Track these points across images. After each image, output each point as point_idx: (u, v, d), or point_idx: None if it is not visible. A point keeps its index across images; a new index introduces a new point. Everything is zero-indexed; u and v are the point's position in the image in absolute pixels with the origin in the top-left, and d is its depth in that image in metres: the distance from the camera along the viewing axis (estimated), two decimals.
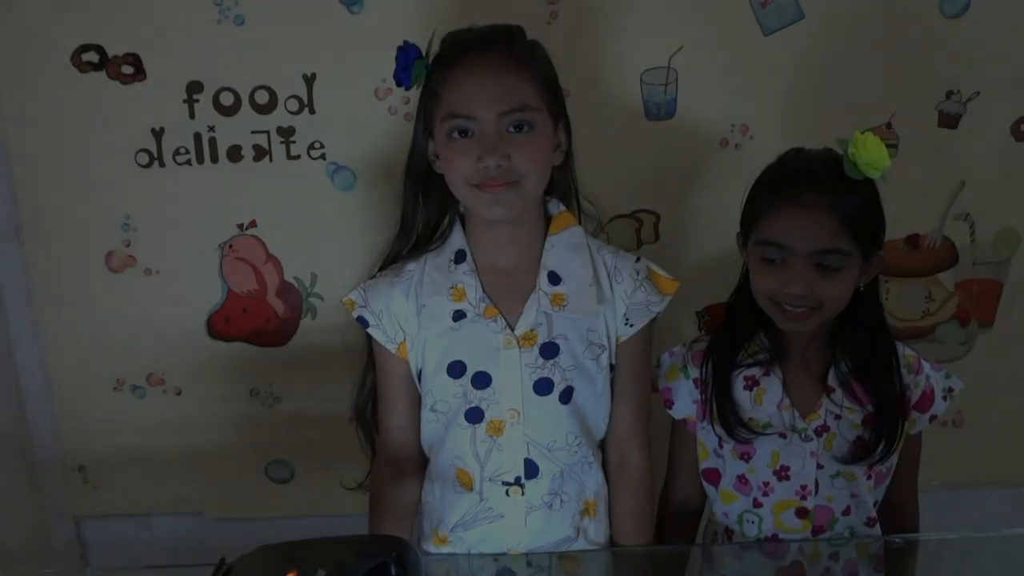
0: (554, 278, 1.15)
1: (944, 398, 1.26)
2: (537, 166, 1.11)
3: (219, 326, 1.62)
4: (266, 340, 1.62)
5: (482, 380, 1.15)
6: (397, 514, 1.23)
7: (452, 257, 1.17)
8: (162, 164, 1.54)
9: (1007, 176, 1.55)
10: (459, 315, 1.15)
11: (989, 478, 1.70)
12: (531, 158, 1.09)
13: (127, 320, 1.61)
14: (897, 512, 1.30)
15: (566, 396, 1.16)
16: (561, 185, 1.21)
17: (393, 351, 1.19)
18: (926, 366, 1.26)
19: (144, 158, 1.54)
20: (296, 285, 1.60)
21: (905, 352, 1.25)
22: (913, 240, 1.57)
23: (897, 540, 1.23)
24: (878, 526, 1.26)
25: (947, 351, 1.63)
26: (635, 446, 1.22)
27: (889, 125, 1.52)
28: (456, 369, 1.15)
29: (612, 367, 1.20)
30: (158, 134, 1.53)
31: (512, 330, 1.15)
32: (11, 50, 1.51)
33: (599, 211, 1.28)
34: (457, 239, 1.18)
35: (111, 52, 1.50)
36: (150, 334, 1.62)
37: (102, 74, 1.50)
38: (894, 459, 1.24)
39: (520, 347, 1.14)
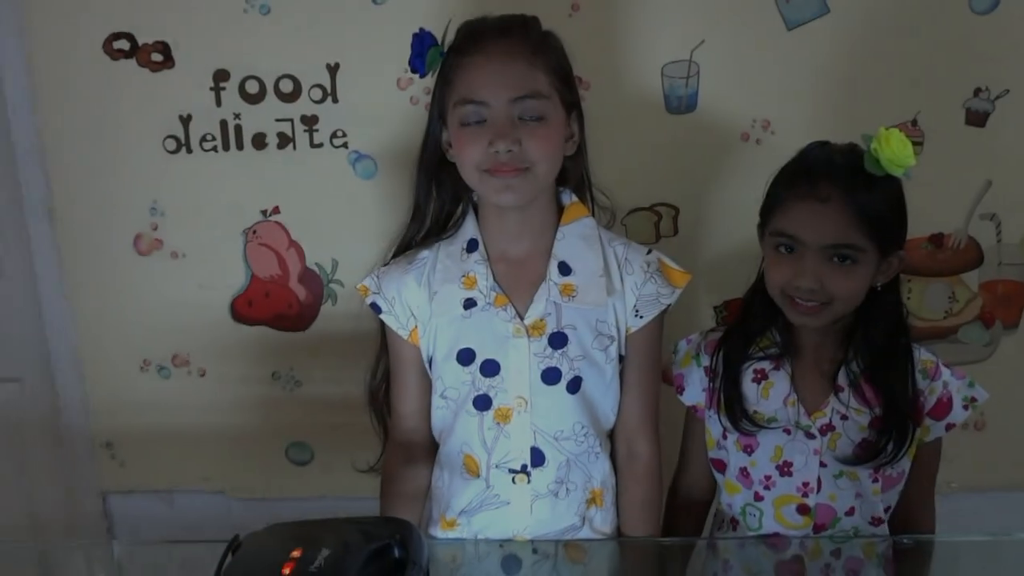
0: (564, 268, 1.17)
1: (965, 407, 1.23)
2: (548, 154, 1.12)
3: (242, 310, 1.66)
4: (288, 324, 1.66)
5: (491, 368, 1.17)
6: (407, 498, 1.26)
7: (464, 246, 1.19)
8: (189, 150, 1.58)
9: None
10: (470, 303, 1.16)
11: (1012, 482, 1.68)
12: (542, 146, 1.10)
13: (154, 302, 1.66)
14: (911, 520, 1.28)
15: (574, 386, 1.17)
16: (574, 176, 1.22)
17: (405, 337, 1.21)
18: (945, 372, 1.23)
19: (172, 144, 1.58)
20: (317, 271, 1.63)
21: (923, 357, 1.22)
22: (937, 239, 1.56)
23: (905, 540, 1.22)
24: (885, 527, 1.24)
25: (970, 352, 1.61)
26: (644, 437, 1.23)
27: (915, 122, 1.50)
28: (465, 356, 1.17)
29: (621, 358, 1.21)
30: (185, 121, 1.57)
31: (522, 319, 1.16)
32: (46, 38, 1.56)
33: (614, 203, 1.29)
34: (470, 228, 1.20)
35: (141, 40, 1.54)
36: (176, 316, 1.66)
37: (132, 61, 1.55)
38: (905, 464, 1.22)
39: (529, 336, 1.15)
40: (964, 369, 1.24)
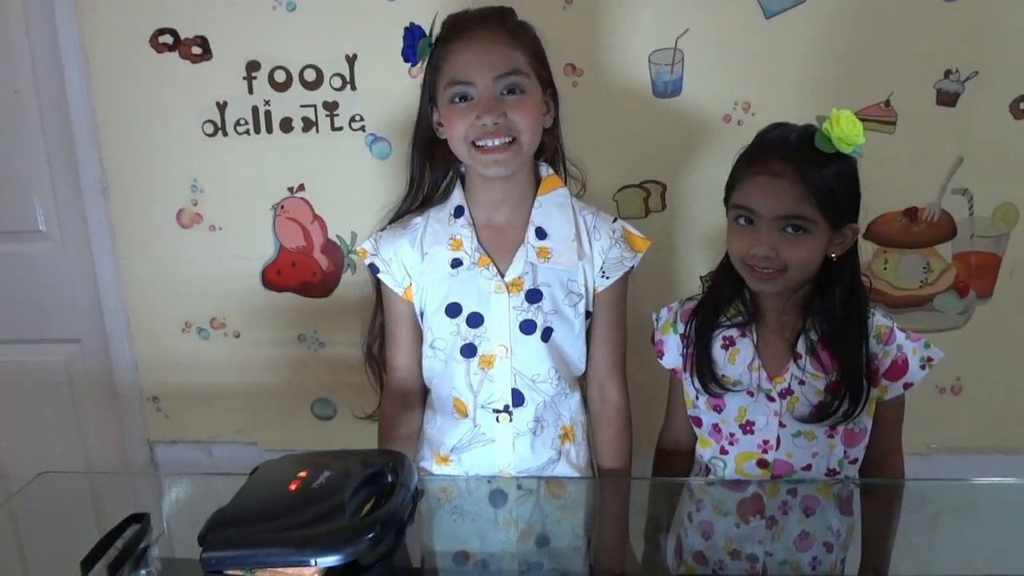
0: (541, 233, 1.29)
1: (922, 367, 1.29)
2: (530, 124, 1.23)
3: (272, 278, 1.82)
4: (312, 291, 1.82)
5: (475, 320, 1.30)
6: (402, 439, 1.40)
7: (452, 212, 1.32)
8: (225, 133, 1.74)
9: (1006, 153, 1.61)
10: (456, 263, 1.30)
11: (987, 444, 1.76)
12: (524, 116, 1.22)
13: (194, 271, 1.83)
14: (878, 467, 1.35)
15: (546, 335, 1.30)
16: (550, 148, 1.34)
17: (400, 294, 1.35)
18: (900, 336, 1.29)
19: (210, 128, 1.74)
20: (339, 243, 1.78)
21: (877, 323, 1.29)
22: (911, 213, 1.65)
23: (855, 483, 1.30)
24: (841, 476, 1.32)
25: (946, 320, 1.70)
26: (613, 384, 1.37)
27: (888, 103, 1.59)
28: (453, 310, 1.31)
29: (588, 314, 1.34)
30: (222, 107, 1.73)
31: (503, 277, 1.29)
32: (100, 33, 1.73)
33: (583, 175, 1.41)
34: (457, 196, 1.32)
35: (183, 35, 1.71)
36: (213, 283, 1.83)
37: (175, 54, 1.71)
38: (866, 421, 1.29)
39: (509, 292, 1.29)
40: (921, 334, 1.30)
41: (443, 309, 1.31)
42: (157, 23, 1.71)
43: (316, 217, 1.77)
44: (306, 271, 1.80)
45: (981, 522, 1.19)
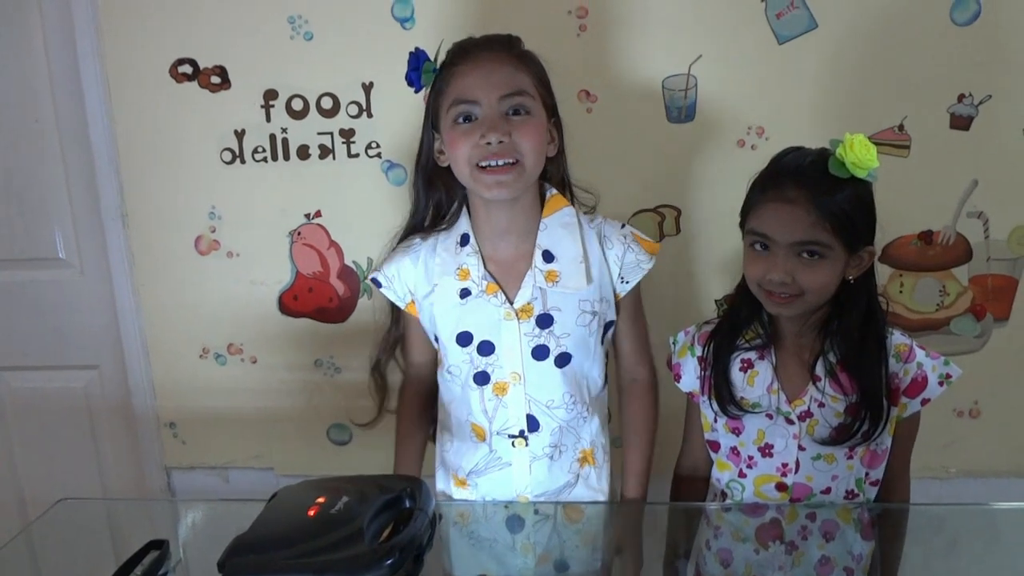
0: (548, 256, 1.29)
1: (940, 383, 1.29)
2: (535, 146, 1.22)
3: (289, 303, 1.83)
4: (329, 317, 1.83)
5: (486, 348, 1.30)
6: (417, 444, 1.43)
7: (458, 240, 1.31)
8: (243, 161, 1.76)
9: (1021, 176, 1.61)
10: (465, 293, 1.30)
11: (1006, 468, 1.75)
12: (529, 138, 1.21)
13: (212, 297, 1.84)
14: (888, 489, 1.34)
15: (561, 360, 1.30)
16: (555, 177, 1.34)
17: (403, 308, 1.38)
18: (920, 354, 1.29)
19: (228, 156, 1.76)
20: (355, 268, 1.79)
21: (896, 341, 1.29)
22: (926, 236, 1.65)
23: (875, 506, 1.30)
24: (861, 499, 1.31)
25: (962, 344, 1.69)
26: (641, 365, 1.40)
27: (901, 127, 1.60)
28: (464, 339, 1.31)
29: (610, 324, 1.35)
30: (240, 135, 1.75)
31: (511, 304, 1.29)
32: (121, 63, 1.76)
33: (596, 198, 1.40)
34: (462, 223, 1.32)
35: (202, 64, 1.73)
36: (230, 309, 1.85)
37: (194, 84, 1.74)
38: (887, 441, 1.29)
39: (519, 319, 1.29)
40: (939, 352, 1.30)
41: (454, 338, 1.32)
42: (177, 53, 1.73)
43: (332, 243, 1.79)
44: (323, 297, 1.81)
45: (1000, 547, 1.18)
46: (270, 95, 1.72)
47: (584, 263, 1.29)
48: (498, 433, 1.33)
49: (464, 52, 1.25)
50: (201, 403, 1.90)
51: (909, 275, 1.68)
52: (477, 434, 1.35)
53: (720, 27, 1.60)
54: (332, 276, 1.80)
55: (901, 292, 1.68)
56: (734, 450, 1.33)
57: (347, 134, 1.72)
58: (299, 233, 1.79)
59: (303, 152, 1.74)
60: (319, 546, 0.99)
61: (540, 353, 1.30)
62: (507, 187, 1.22)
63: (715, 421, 1.35)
